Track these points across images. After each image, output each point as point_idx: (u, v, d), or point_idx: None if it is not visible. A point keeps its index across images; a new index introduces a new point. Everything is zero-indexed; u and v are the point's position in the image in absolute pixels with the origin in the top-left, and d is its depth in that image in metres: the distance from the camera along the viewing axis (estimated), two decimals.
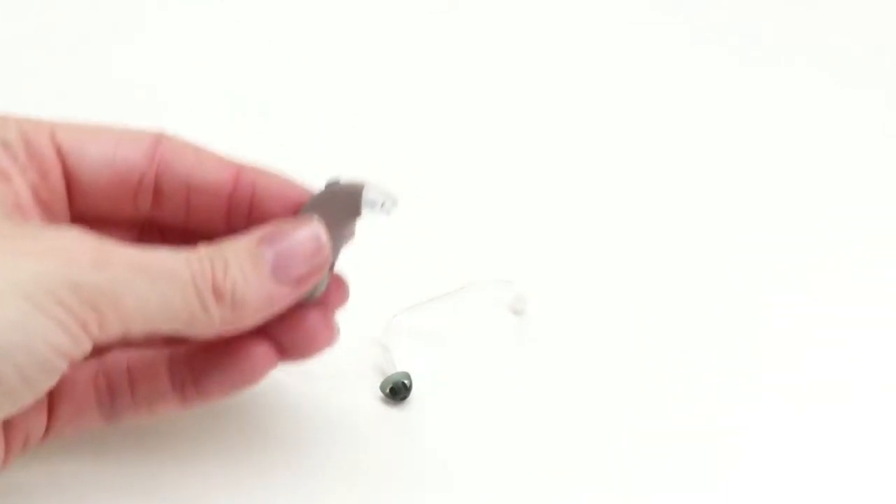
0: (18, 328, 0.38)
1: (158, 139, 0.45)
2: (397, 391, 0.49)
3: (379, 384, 0.50)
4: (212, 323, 0.41)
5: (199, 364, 0.45)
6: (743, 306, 0.55)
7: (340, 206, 0.44)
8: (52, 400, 0.44)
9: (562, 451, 0.48)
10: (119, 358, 0.45)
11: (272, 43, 0.71)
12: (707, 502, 0.47)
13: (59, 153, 0.44)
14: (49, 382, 0.40)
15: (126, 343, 0.46)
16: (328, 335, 0.45)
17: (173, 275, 0.41)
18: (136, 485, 0.47)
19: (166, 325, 0.41)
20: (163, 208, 0.45)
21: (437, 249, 0.57)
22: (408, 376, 0.50)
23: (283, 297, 0.43)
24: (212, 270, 0.41)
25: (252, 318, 0.42)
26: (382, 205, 0.43)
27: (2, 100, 0.56)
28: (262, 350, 0.44)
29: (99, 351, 0.45)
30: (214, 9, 0.74)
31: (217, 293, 0.41)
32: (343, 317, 0.46)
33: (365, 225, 0.44)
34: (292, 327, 0.44)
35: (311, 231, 0.43)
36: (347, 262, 0.45)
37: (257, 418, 0.49)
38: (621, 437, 0.49)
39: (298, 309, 0.44)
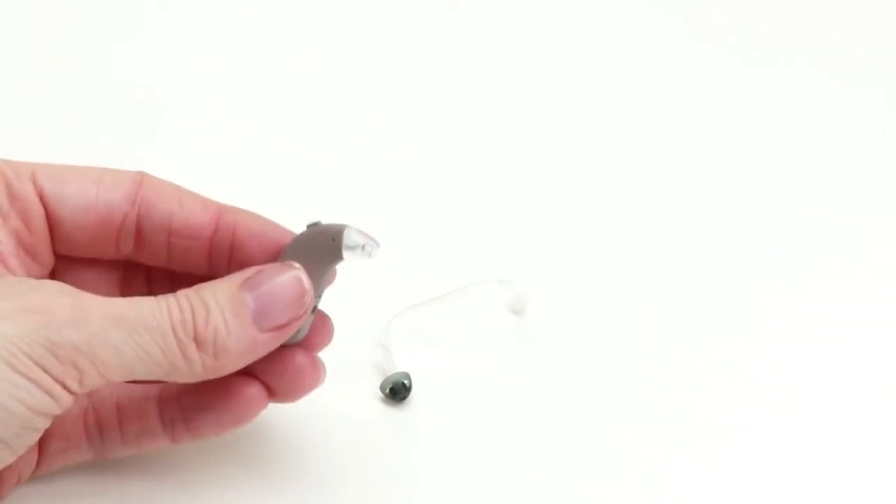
0: None
1: (140, 181, 0.45)
2: (397, 391, 0.49)
3: (379, 384, 0.50)
4: (194, 371, 0.41)
5: (189, 403, 0.45)
6: (743, 306, 0.55)
7: (321, 249, 0.43)
8: (43, 436, 0.44)
9: (561, 451, 0.48)
10: (109, 395, 0.45)
11: (272, 43, 0.71)
12: (707, 502, 0.47)
13: (42, 197, 0.44)
14: (30, 441, 0.40)
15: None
16: (314, 377, 0.45)
17: (152, 325, 0.40)
18: (134, 483, 0.47)
19: (147, 374, 0.41)
20: (144, 250, 0.45)
21: (437, 249, 0.57)
22: (408, 376, 0.50)
23: (266, 343, 0.42)
24: (193, 318, 0.41)
25: (234, 364, 0.42)
26: (363, 248, 0.43)
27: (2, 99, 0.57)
28: (253, 391, 0.44)
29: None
30: (214, 9, 0.74)
31: (199, 341, 0.41)
32: (343, 317, 0.45)
33: (350, 265, 0.44)
34: (277, 370, 0.44)
35: (292, 276, 0.43)
36: (347, 264, 0.45)
37: (257, 419, 0.49)
38: (621, 436, 0.49)
39: (282, 351, 0.44)
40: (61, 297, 0.40)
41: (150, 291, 0.47)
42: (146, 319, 0.40)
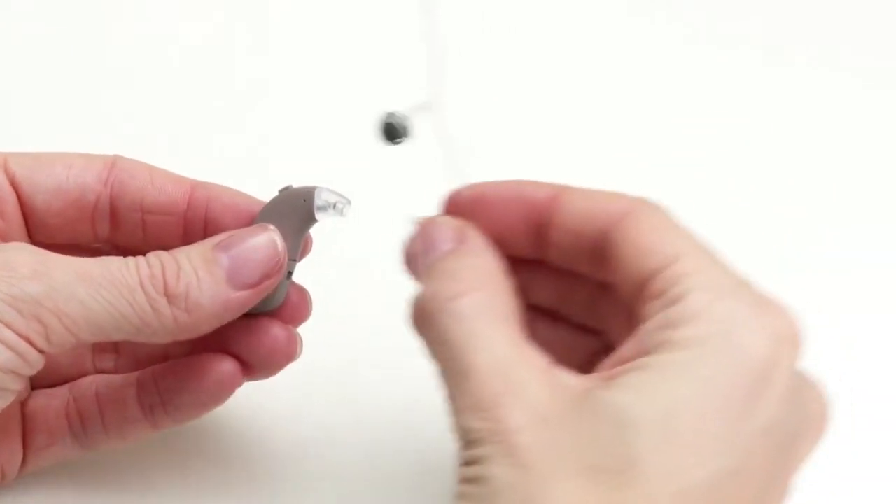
0: None
1: (112, 162, 0.45)
2: (393, 131, 0.44)
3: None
4: (165, 327, 0.41)
5: (165, 385, 0.45)
6: None
7: (294, 212, 0.44)
8: (26, 430, 0.45)
9: None
10: (89, 384, 0.46)
11: (268, 37, 0.71)
12: None
13: (13, 183, 0.44)
14: (2, 402, 0.40)
15: (98, 369, 0.46)
16: (290, 349, 0.45)
17: (118, 280, 0.40)
18: (132, 482, 0.47)
19: (118, 333, 0.41)
20: (120, 231, 0.46)
21: None
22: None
23: (240, 302, 0.42)
24: (163, 273, 0.41)
25: (208, 322, 0.42)
26: (335, 205, 0.43)
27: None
28: (226, 367, 0.44)
29: (70, 378, 0.46)
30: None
31: (170, 296, 0.41)
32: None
33: (327, 225, 0.44)
34: (252, 343, 0.44)
35: (265, 236, 0.43)
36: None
37: (257, 423, 0.49)
38: None
39: (257, 322, 0.44)
40: (23, 254, 0.40)
41: None
42: (112, 275, 0.40)
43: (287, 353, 0.45)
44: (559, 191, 0.41)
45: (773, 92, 0.69)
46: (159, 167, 0.46)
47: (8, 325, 0.38)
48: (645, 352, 0.36)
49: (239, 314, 0.43)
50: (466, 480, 0.35)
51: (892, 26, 0.74)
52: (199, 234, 0.45)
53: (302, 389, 0.50)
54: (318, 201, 0.44)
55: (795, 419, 0.37)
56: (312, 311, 0.46)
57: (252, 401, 0.50)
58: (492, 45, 0.71)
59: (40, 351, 0.39)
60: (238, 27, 0.71)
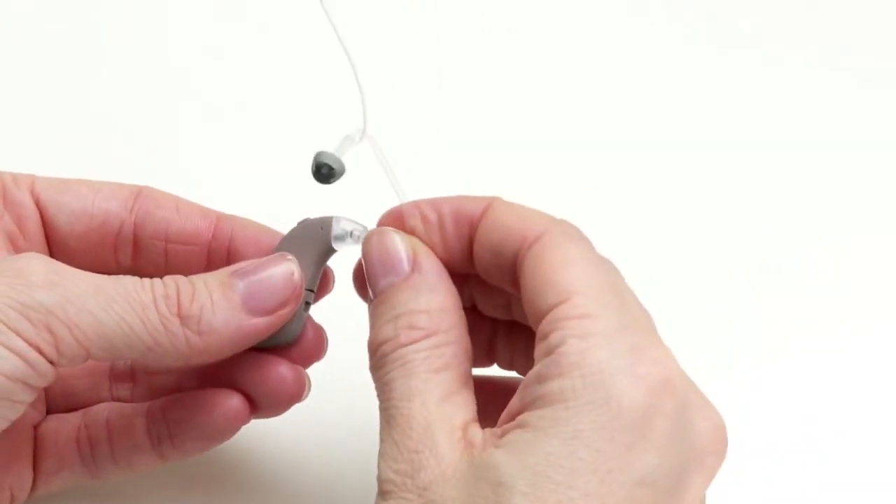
0: None
1: (139, 191, 0.45)
2: (322, 169, 0.44)
3: None
4: (177, 348, 0.41)
5: (173, 417, 0.45)
6: (743, 307, 0.55)
7: (312, 242, 0.44)
8: (37, 454, 0.45)
9: None
10: (100, 411, 0.46)
11: (274, 41, 0.71)
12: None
13: (38, 203, 0.44)
14: (10, 415, 0.39)
15: (114, 397, 0.46)
16: (297, 389, 0.44)
17: (132, 296, 0.40)
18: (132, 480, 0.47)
19: (129, 350, 0.40)
20: (142, 259, 0.46)
21: None
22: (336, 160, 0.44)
23: (254, 329, 0.42)
24: (177, 294, 0.41)
25: (221, 347, 0.42)
26: (352, 234, 0.43)
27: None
28: (234, 402, 0.44)
29: (86, 404, 0.46)
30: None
31: (183, 317, 0.40)
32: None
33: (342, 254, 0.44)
34: (260, 379, 0.44)
35: (282, 264, 0.43)
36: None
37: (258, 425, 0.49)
38: None
39: (267, 359, 0.44)
40: (37, 263, 0.39)
41: None
42: (126, 291, 0.40)
43: (292, 394, 0.44)
44: (489, 202, 0.42)
45: (772, 92, 0.69)
46: (185, 199, 0.46)
47: (18, 333, 0.38)
48: (525, 407, 0.37)
49: (253, 342, 0.42)
50: None
51: (891, 26, 0.74)
52: (222, 265, 0.45)
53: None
54: (335, 230, 0.44)
55: (682, 457, 0.37)
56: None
57: None
58: (491, 45, 0.71)
59: (50, 362, 0.39)
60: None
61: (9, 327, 0.38)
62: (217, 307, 0.41)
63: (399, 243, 0.41)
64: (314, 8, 0.42)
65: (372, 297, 0.41)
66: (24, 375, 0.39)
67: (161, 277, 0.41)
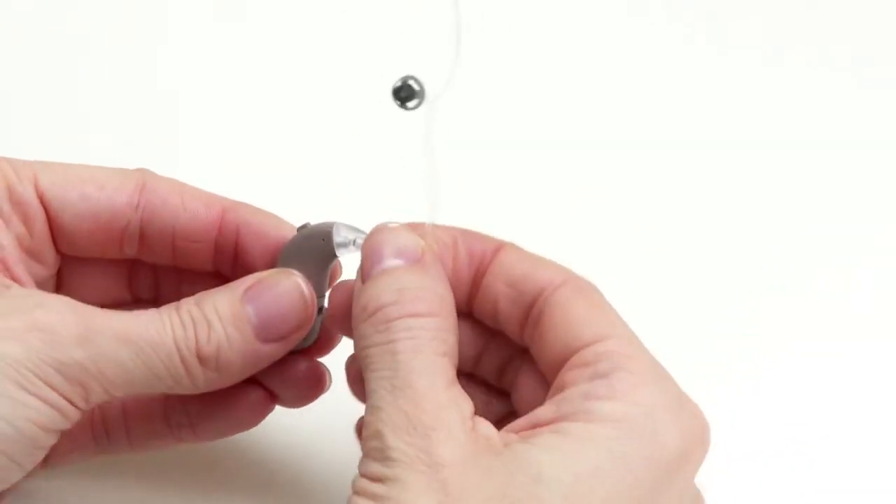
0: (3, 411, 0.38)
1: (143, 183, 0.45)
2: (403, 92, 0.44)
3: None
4: (196, 386, 0.42)
5: (195, 408, 0.45)
6: (743, 308, 0.55)
7: (314, 252, 0.44)
8: None
9: None
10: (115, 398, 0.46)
11: (277, 43, 0.71)
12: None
13: (43, 201, 0.44)
14: (38, 458, 0.41)
15: None
16: (318, 386, 0.45)
17: (157, 342, 0.41)
18: (134, 478, 0.47)
19: (148, 388, 0.41)
20: (149, 251, 0.46)
21: None
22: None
23: (270, 355, 0.43)
24: (195, 335, 0.41)
25: (238, 376, 0.43)
26: (354, 241, 0.43)
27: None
28: (257, 397, 0.45)
29: None
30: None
31: (202, 357, 0.41)
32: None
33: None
34: (281, 377, 0.45)
35: (292, 285, 0.43)
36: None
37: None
38: None
39: (286, 358, 0.44)
40: (68, 315, 0.40)
41: (157, 286, 0.47)
42: (151, 336, 0.41)
43: (315, 390, 0.45)
44: (500, 246, 0.42)
45: (772, 92, 0.69)
46: (188, 185, 0.46)
47: (53, 388, 0.39)
48: (564, 417, 0.38)
49: (270, 363, 0.43)
50: (371, 496, 0.36)
51: (891, 26, 0.74)
52: (230, 256, 0.45)
53: None
54: (336, 239, 0.44)
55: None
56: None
57: None
58: (490, 44, 0.71)
59: (78, 409, 0.40)
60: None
61: (46, 383, 0.39)
62: (232, 341, 0.42)
63: (412, 237, 0.41)
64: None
65: (365, 278, 0.41)
66: (57, 424, 0.40)
67: (177, 308, 0.42)
